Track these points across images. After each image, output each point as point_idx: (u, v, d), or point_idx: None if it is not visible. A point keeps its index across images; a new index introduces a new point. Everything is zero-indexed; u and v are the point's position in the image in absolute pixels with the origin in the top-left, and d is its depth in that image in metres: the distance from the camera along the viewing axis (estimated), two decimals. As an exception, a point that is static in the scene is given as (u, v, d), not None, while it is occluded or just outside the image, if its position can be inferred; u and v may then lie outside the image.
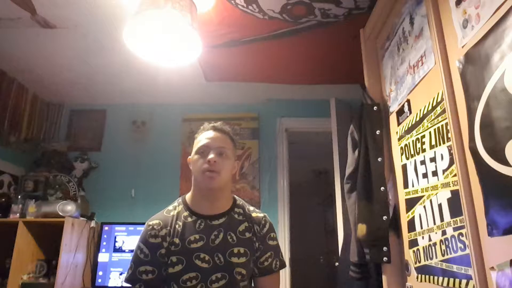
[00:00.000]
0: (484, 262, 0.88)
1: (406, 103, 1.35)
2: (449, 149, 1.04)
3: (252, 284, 1.31)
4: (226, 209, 1.27)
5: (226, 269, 1.18)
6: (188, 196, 1.30)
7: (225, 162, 1.25)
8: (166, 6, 1.52)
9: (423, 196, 1.21)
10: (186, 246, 1.18)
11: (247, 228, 1.26)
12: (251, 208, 1.34)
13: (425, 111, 1.20)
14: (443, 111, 1.07)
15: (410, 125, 1.31)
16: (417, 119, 1.25)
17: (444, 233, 1.08)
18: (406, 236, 1.34)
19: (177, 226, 1.22)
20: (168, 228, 1.21)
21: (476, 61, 0.93)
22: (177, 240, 1.19)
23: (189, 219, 1.23)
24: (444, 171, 1.08)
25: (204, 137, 1.29)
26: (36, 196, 2.58)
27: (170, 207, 1.30)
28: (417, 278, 1.24)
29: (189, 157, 1.32)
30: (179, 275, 1.16)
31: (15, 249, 2.24)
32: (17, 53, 2.36)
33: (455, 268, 1.02)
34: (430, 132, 1.16)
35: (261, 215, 1.32)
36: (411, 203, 1.30)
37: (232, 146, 1.32)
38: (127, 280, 1.20)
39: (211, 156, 1.22)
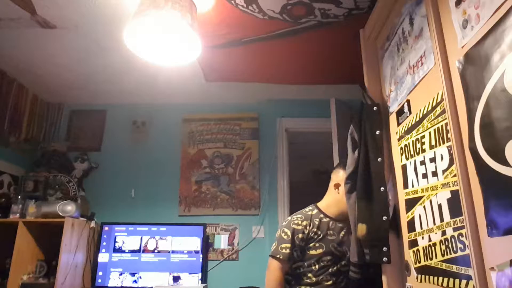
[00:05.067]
0: (484, 262, 0.88)
1: (406, 103, 1.35)
2: (449, 149, 1.04)
3: None
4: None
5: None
6: (321, 205, 1.83)
7: None
8: (166, 6, 1.52)
9: (423, 196, 1.21)
10: (326, 237, 1.70)
11: None
12: None
13: (425, 112, 1.20)
14: (443, 112, 1.07)
15: (410, 125, 1.31)
16: (417, 119, 1.25)
17: (444, 233, 1.08)
18: (406, 236, 1.34)
19: (315, 221, 1.74)
20: (308, 221, 1.73)
21: (476, 62, 0.93)
22: (318, 231, 1.71)
23: (324, 219, 1.76)
24: (444, 171, 1.08)
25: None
26: (36, 196, 2.58)
27: (307, 209, 1.82)
28: (417, 278, 1.24)
29: (340, 183, 1.77)
30: (320, 256, 1.68)
31: (15, 249, 2.24)
32: (17, 53, 2.36)
33: (455, 268, 1.02)
34: (430, 133, 1.16)
35: None
36: (411, 203, 1.30)
37: None
38: (272, 253, 1.70)
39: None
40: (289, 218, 1.80)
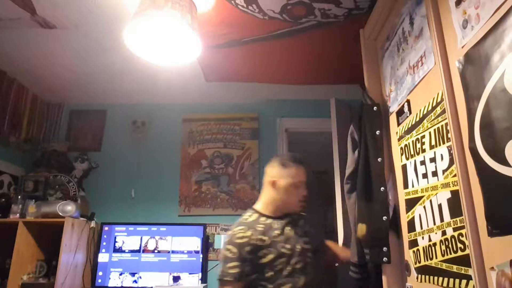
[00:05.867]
0: (484, 262, 0.88)
1: (406, 103, 1.35)
2: (449, 149, 1.04)
3: None
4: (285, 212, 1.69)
5: (301, 254, 1.58)
6: (259, 207, 1.69)
7: None
8: (166, 6, 1.52)
9: (423, 196, 1.21)
10: (272, 240, 1.56)
11: (302, 223, 1.70)
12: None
13: (425, 112, 1.20)
14: (443, 111, 1.07)
15: (410, 126, 1.31)
16: (417, 119, 1.25)
17: (444, 233, 1.08)
18: (406, 236, 1.34)
19: (258, 227, 1.58)
20: (252, 230, 1.56)
21: (476, 62, 0.93)
22: (264, 237, 1.55)
23: (267, 221, 1.62)
24: (444, 171, 1.08)
25: (300, 172, 1.66)
26: (36, 196, 2.57)
27: (246, 216, 1.66)
28: (417, 278, 1.24)
29: (277, 180, 1.64)
30: (272, 262, 1.52)
31: (15, 249, 2.24)
32: (17, 53, 2.36)
33: (455, 268, 1.02)
34: (430, 133, 1.16)
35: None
36: (411, 203, 1.30)
37: None
38: (219, 277, 1.51)
39: (305, 192, 1.67)
40: (230, 232, 1.61)
